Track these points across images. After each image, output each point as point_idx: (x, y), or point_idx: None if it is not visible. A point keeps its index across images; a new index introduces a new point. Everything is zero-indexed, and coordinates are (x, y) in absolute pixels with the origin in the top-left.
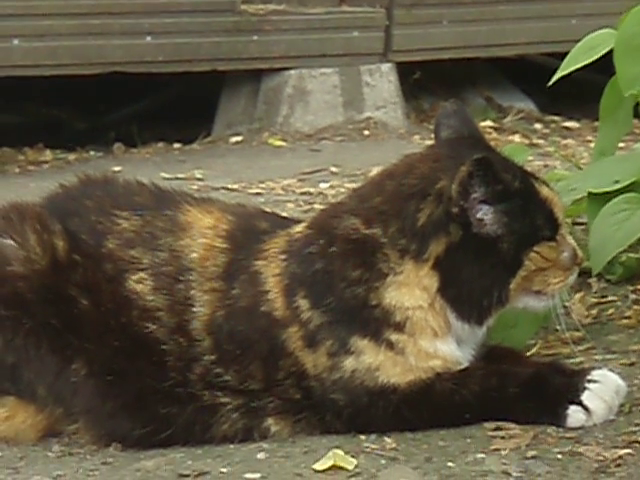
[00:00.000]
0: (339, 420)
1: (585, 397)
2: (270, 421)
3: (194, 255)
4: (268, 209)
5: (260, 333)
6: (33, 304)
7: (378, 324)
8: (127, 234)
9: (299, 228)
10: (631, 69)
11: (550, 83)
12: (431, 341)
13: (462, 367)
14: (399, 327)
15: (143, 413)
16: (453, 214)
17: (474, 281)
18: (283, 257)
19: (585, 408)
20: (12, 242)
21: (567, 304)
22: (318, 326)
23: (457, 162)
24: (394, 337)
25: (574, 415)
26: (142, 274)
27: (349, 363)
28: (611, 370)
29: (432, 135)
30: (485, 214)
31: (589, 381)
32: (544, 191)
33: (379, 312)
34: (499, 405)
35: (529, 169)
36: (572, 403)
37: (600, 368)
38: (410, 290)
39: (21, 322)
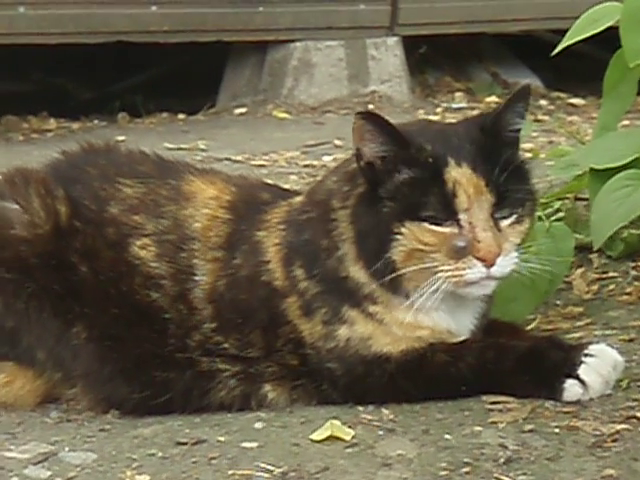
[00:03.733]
0: (336, 389)
1: (582, 371)
2: (267, 387)
3: (197, 225)
4: (271, 181)
5: (261, 302)
6: (35, 268)
7: (356, 295)
8: (130, 201)
9: (299, 198)
10: (637, 40)
11: (553, 54)
12: (405, 312)
13: (460, 339)
14: (372, 299)
15: (141, 378)
16: (360, 168)
17: (369, 241)
18: (282, 227)
19: (582, 382)
20: (16, 206)
21: (568, 279)
22: (314, 295)
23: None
24: (371, 308)
25: (570, 389)
26: (146, 240)
27: (343, 332)
28: (609, 345)
29: (436, 110)
30: (380, 174)
31: (586, 355)
32: (453, 173)
33: (352, 284)
34: (495, 378)
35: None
36: (569, 377)
37: (598, 343)
38: None
39: (23, 286)
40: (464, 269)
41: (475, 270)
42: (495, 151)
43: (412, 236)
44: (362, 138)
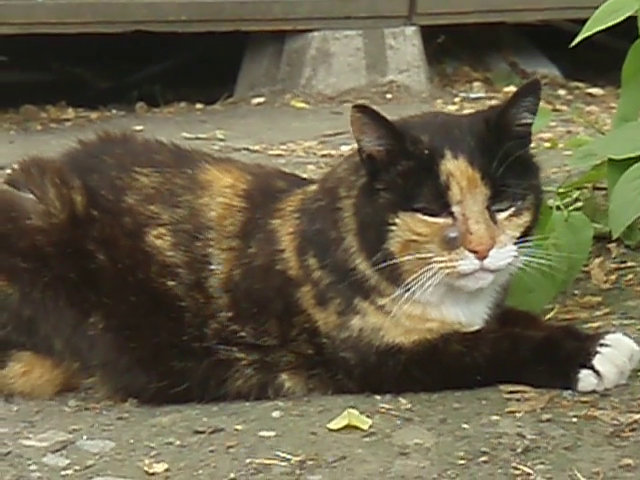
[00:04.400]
0: (351, 379)
1: (596, 361)
2: (284, 376)
3: (213, 213)
4: (288, 171)
5: (275, 291)
6: (51, 257)
7: (364, 287)
8: (147, 190)
9: (313, 187)
10: None
11: (572, 45)
12: (413, 304)
13: (474, 329)
14: (378, 291)
15: (159, 367)
16: (361, 159)
17: (369, 232)
18: (297, 215)
19: (596, 372)
20: (32, 196)
21: (586, 269)
22: (327, 285)
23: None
24: (379, 300)
25: (585, 379)
26: (162, 229)
27: (356, 322)
28: (626, 335)
29: (454, 99)
30: (378, 166)
31: (602, 345)
32: (448, 165)
33: (359, 276)
34: (511, 368)
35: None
36: (583, 367)
37: (614, 332)
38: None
39: (39, 275)
40: (457, 260)
41: (467, 262)
42: (496, 144)
43: (406, 226)
44: (360, 131)
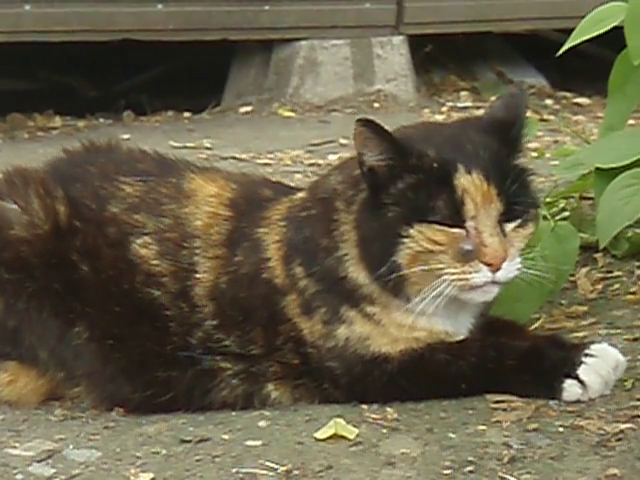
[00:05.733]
0: (337, 389)
1: (581, 371)
2: (270, 387)
3: (198, 222)
4: (275, 180)
5: (261, 300)
6: (35, 268)
7: (354, 296)
8: (131, 199)
9: (300, 194)
10: None
11: (559, 54)
12: (404, 314)
13: (460, 339)
14: (370, 300)
15: (144, 377)
16: (362, 173)
17: (374, 245)
18: (283, 224)
19: (581, 382)
20: (15, 206)
21: (573, 278)
22: (313, 294)
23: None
24: (369, 309)
25: (569, 389)
26: (147, 238)
27: (342, 332)
28: (612, 345)
29: (442, 109)
30: (381, 180)
31: (586, 355)
32: (462, 180)
33: (350, 284)
34: (496, 377)
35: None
36: (568, 377)
37: (600, 342)
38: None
39: (23, 286)
40: (470, 273)
41: (481, 274)
42: (508, 159)
43: (421, 236)
44: (362, 145)
